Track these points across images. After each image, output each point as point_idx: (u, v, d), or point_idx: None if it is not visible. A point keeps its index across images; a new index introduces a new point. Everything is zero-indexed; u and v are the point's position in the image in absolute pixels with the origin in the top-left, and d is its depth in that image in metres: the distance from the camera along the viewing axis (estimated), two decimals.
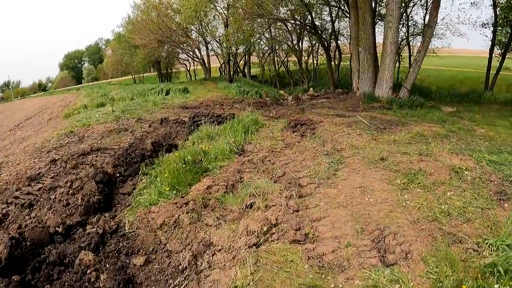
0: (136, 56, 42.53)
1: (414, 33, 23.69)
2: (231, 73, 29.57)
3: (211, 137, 9.65)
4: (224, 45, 27.70)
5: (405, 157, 7.19)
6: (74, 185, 6.75)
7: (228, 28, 26.89)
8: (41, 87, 79.03)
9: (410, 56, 24.10)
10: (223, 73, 33.86)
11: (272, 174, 6.60)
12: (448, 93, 18.19)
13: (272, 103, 17.65)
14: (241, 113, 13.56)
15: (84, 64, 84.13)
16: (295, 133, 10.12)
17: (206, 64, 37.04)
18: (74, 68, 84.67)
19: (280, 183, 5.88)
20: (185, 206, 5.32)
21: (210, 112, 14.54)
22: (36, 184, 8.79)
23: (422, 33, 23.08)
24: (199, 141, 9.53)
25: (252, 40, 28.47)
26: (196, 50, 35.59)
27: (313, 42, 29.32)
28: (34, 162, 11.28)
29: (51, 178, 9.07)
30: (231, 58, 33.13)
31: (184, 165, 6.72)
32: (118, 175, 7.41)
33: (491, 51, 20.98)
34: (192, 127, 11.72)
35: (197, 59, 36.86)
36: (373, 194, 5.73)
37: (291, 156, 7.94)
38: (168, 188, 5.86)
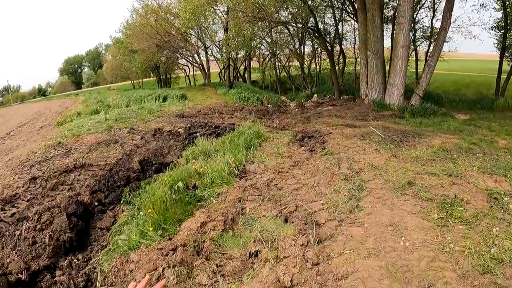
0: (134, 61, 41.45)
1: (422, 37, 22.57)
2: (231, 78, 28.42)
3: (208, 154, 8.46)
4: (224, 49, 26.57)
5: (435, 180, 6.05)
6: (43, 219, 5.56)
7: (228, 33, 25.80)
8: (40, 92, 77.81)
9: (416, 60, 22.96)
10: (223, 79, 32.70)
11: (281, 206, 5.38)
12: (460, 100, 17.04)
13: (274, 111, 16.49)
14: (242, 123, 12.43)
15: (84, 69, 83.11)
16: (303, 148, 8.95)
17: (206, 69, 35.97)
18: (74, 73, 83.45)
19: (292, 222, 4.66)
20: (172, 254, 4.11)
21: (208, 122, 13.37)
22: (10, 209, 7.57)
23: (429, 36, 22.04)
24: (194, 159, 8.34)
25: (252, 44, 27.34)
26: (196, 55, 34.52)
27: (316, 46, 28.22)
28: (14, 179, 10.08)
29: (28, 201, 7.87)
30: (231, 63, 32.06)
31: (174, 194, 5.50)
32: (97, 203, 6.21)
33: (502, 55, 19.83)
34: (187, 141, 10.54)
35: (196, 65, 35.76)
36: (407, 234, 4.54)
37: (301, 178, 6.74)
38: (152, 228, 4.64)
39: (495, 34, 21.09)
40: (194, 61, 36.50)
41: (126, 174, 7.75)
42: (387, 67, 17.59)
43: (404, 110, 13.03)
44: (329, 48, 22.36)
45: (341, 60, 25.11)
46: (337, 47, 25.32)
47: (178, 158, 9.11)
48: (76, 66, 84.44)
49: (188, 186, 6.89)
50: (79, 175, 8.68)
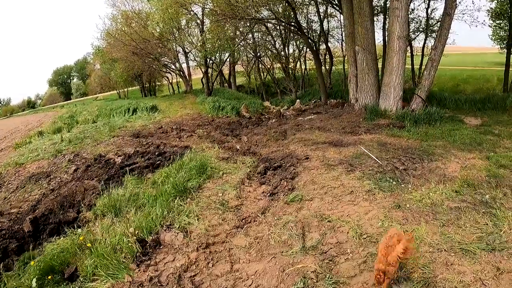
0: (115, 70, 38.60)
1: (417, 30, 19.56)
2: (210, 84, 25.40)
3: (117, 210, 5.52)
4: (199, 54, 23.58)
5: (468, 264, 3.20)
6: None
7: (204, 34, 22.85)
8: (30, 105, 74.57)
9: (412, 56, 19.90)
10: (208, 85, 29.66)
11: None
12: (466, 99, 13.99)
13: (248, 123, 13.49)
14: (198, 146, 9.47)
15: (73, 79, 79.77)
16: (263, 187, 5.98)
17: (187, 75, 33.04)
18: (64, 84, 79.91)
19: None
20: None
21: (160, 145, 10.45)
22: None
23: (424, 28, 19.03)
24: (98, 217, 5.45)
25: (231, 47, 24.34)
26: (175, 61, 31.57)
27: (301, 46, 25.18)
28: None
29: None
30: (213, 67, 29.15)
31: None
32: None
33: (510, 46, 16.81)
34: (114, 179, 7.60)
35: (175, 71, 32.83)
36: None
37: (241, 262, 3.79)
38: None
39: (493, 24, 18.17)
40: (174, 68, 33.58)
41: (5, 246, 4.98)
42: (379, 65, 14.61)
43: (404, 117, 10.05)
44: (314, 47, 19.33)
45: (328, 59, 22.01)
46: (324, 46, 22.32)
47: (88, 211, 6.15)
48: (65, 76, 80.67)
49: (64, 274, 4.08)
50: None
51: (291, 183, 5.81)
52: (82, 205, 6.52)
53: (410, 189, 5.04)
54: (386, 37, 12.92)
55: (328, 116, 12.27)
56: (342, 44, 22.08)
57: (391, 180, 5.31)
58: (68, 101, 65.18)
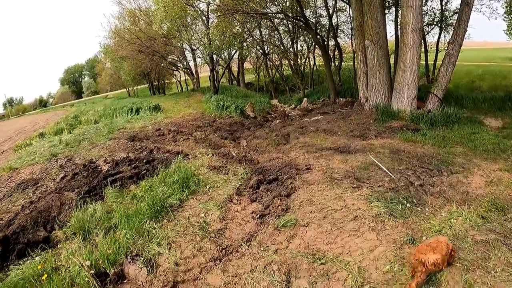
0: (123, 69, 38.25)
1: (431, 23, 18.27)
2: (216, 82, 24.58)
3: (86, 232, 4.81)
4: (206, 51, 22.76)
5: None
6: None
7: (209, 30, 22.00)
8: (42, 103, 75.06)
9: (426, 51, 18.59)
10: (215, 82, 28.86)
11: None
12: (485, 98, 12.76)
13: (251, 124, 12.62)
14: (192, 152, 8.69)
15: (84, 78, 79.99)
16: (253, 206, 5.15)
17: (194, 73, 32.35)
18: (75, 83, 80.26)
19: None
20: None
21: (153, 149, 9.72)
22: None
23: (439, 21, 17.77)
24: (69, 238, 4.78)
25: (237, 43, 23.45)
26: (182, 59, 30.93)
27: (310, 41, 24.07)
28: None
29: None
30: (220, 64, 28.39)
31: None
32: None
33: None
34: (97, 189, 6.91)
35: (182, 69, 32.16)
36: None
37: None
38: None
39: (508, 18, 16.79)
40: (181, 65, 32.96)
41: None
42: (391, 62, 13.52)
43: (419, 119, 9.02)
44: (321, 42, 18.25)
45: (338, 55, 20.86)
46: (333, 41, 21.18)
47: (60, 229, 5.46)
48: (77, 75, 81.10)
49: None
50: None
51: (285, 201, 4.95)
52: (58, 221, 5.82)
53: (427, 214, 4.13)
54: (399, 30, 11.83)
55: (336, 117, 11.30)
56: (352, 39, 20.93)
57: (405, 202, 4.40)
58: (79, 100, 65.39)
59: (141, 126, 15.37)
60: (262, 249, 3.96)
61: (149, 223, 4.71)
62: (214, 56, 25.08)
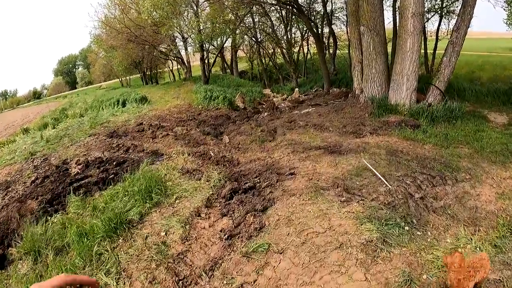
0: (114, 58, 37.13)
1: (430, 10, 17.21)
2: (206, 72, 23.56)
3: (36, 252, 4.07)
4: (197, 40, 21.66)
5: None
6: None
7: (200, 18, 20.93)
8: (36, 95, 73.51)
9: (425, 39, 17.57)
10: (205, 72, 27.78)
11: None
12: (488, 91, 11.89)
13: (238, 117, 11.74)
14: (169, 151, 7.84)
15: (78, 68, 78.21)
16: (223, 222, 4.30)
17: (186, 62, 31.27)
18: (69, 73, 78.50)
19: None
20: None
21: (130, 147, 8.86)
22: None
23: (439, 8, 16.72)
24: (16, 259, 4.11)
25: (228, 31, 22.36)
26: (173, 48, 29.80)
27: (303, 29, 22.93)
28: None
29: None
30: (212, 52, 27.36)
31: None
32: None
33: None
34: (61, 197, 6.11)
35: (173, 58, 31.07)
36: None
37: None
38: None
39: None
40: (172, 54, 31.86)
41: None
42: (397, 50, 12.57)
43: (418, 113, 8.15)
44: (315, 29, 17.21)
45: (333, 44, 19.74)
46: (327, 29, 20.07)
47: (16, 245, 4.66)
48: (70, 65, 79.23)
49: None
50: None
51: (260, 218, 4.12)
52: (16, 236, 5.00)
53: (429, 240, 3.30)
54: (398, 16, 10.88)
55: (329, 109, 10.41)
56: (347, 26, 19.84)
57: (402, 223, 3.56)
58: (72, 91, 64.08)
59: (124, 120, 14.45)
60: (225, 282, 3.16)
61: (102, 244, 3.91)
62: (206, 45, 24.05)
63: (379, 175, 4.87)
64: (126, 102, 19.10)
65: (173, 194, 5.11)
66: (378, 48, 9.46)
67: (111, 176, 6.51)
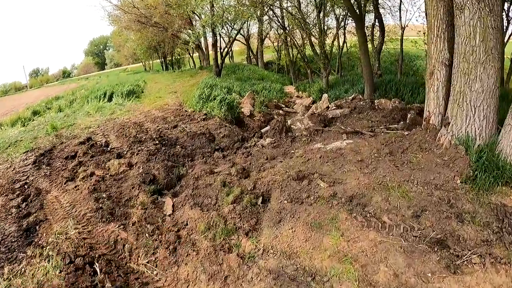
0: (130, 41, 34.19)
1: None
2: (219, 62, 19.03)
3: None
4: (207, 22, 17.09)
5: None
6: None
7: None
8: (65, 74, 71.88)
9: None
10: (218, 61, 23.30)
11: None
12: None
13: (225, 139, 7.27)
14: (53, 227, 3.54)
15: (109, 50, 75.77)
16: None
17: (204, 49, 27.12)
18: (99, 54, 76.27)
19: None
20: None
21: (30, 195, 4.61)
22: None
23: None
24: None
25: (250, 14, 17.59)
26: (190, 32, 25.65)
27: (342, 14, 17.70)
28: None
29: None
30: (229, 37, 23.04)
31: None
32: None
33: None
34: None
35: (190, 44, 26.98)
36: None
37: None
38: None
39: None
40: (191, 39, 27.78)
41: None
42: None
43: None
44: (358, 11, 12.08)
45: (379, 34, 14.30)
46: (373, 14, 14.79)
47: None
48: (101, 47, 77.03)
49: None
50: None
51: None
52: None
53: None
54: None
55: (378, 147, 5.66)
56: (400, 16, 14.40)
57: None
58: (99, 72, 61.86)
59: (87, 125, 10.46)
60: None
61: None
62: (222, 29, 19.65)
63: None
64: (113, 96, 15.10)
65: None
66: (491, 42, 4.55)
67: None
